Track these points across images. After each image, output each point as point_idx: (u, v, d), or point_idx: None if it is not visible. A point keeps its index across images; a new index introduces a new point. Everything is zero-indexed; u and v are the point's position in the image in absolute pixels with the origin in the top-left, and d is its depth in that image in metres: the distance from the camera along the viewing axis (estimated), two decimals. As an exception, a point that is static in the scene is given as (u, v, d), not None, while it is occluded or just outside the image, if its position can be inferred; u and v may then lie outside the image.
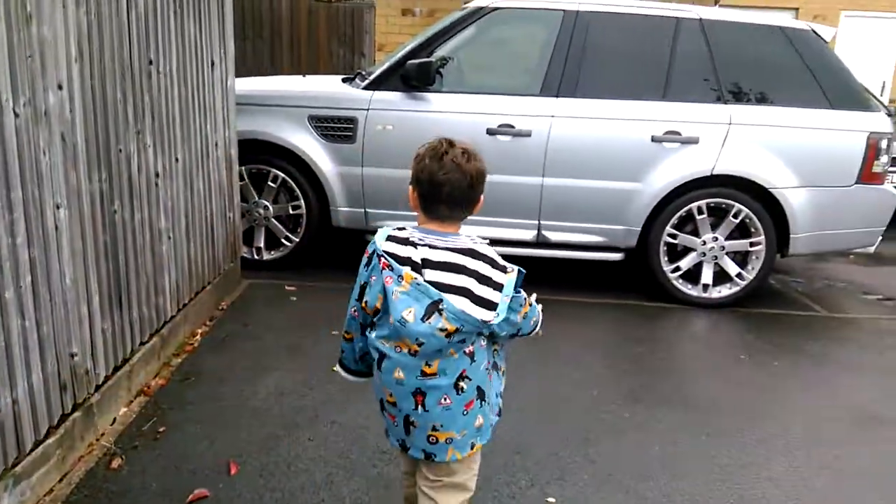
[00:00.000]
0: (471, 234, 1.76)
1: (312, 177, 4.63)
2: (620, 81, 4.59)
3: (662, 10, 4.67)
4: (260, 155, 4.63)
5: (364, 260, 1.77)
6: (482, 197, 1.78)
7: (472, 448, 1.81)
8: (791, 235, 4.52)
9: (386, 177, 4.57)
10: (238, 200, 4.37)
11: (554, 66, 4.56)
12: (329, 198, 4.65)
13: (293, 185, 4.65)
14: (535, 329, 1.91)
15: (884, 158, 4.55)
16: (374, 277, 1.72)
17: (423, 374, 1.69)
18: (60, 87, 2.32)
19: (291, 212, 4.72)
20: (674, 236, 4.57)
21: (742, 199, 4.47)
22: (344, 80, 5.13)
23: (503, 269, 1.70)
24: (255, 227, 4.77)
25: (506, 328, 1.74)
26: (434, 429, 1.75)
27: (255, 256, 4.78)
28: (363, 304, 1.76)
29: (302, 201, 4.67)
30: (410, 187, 1.76)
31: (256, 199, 4.71)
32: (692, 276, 4.63)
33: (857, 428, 3.19)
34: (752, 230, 4.53)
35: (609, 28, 4.58)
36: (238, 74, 4.39)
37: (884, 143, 4.52)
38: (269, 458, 2.66)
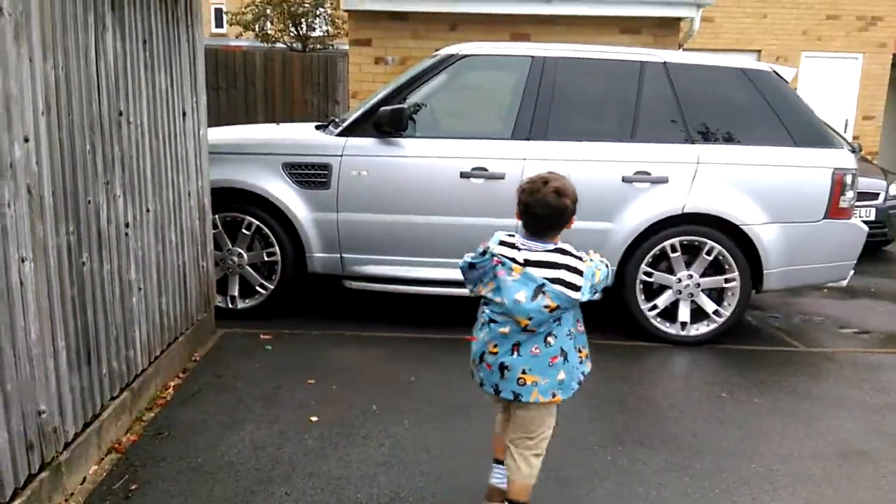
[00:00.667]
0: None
1: (287, 223, 4.61)
2: (590, 124, 4.67)
3: (627, 54, 4.78)
4: (234, 203, 4.61)
5: (479, 249, 2.34)
6: (573, 217, 2.32)
7: (552, 397, 2.34)
8: (764, 271, 4.57)
9: (361, 222, 4.56)
10: (211, 249, 4.33)
11: (524, 110, 4.62)
12: (304, 244, 4.63)
13: (268, 232, 4.62)
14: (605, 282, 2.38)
15: (850, 194, 4.65)
16: (484, 268, 2.31)
17: (524, 330, 2.27)
18: (27, 140, 2.29)
19: (266, 259, 4.68)
20: (649, 274, 4.59)
21: (714, 236, 4.52)
22: (317, 128, 5.16)
23: (581, 260, 2.29)
24: (230, 276, 4.72)
25: (588, 296, 2.29)
26: (524, 371, 2.29)
27: (230, 305, 4.72)
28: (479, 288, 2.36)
29: (277, 248, 4.64)
30: (517, 208, 2.33)
31: (230, 246, 4.67)
32: (670, 314, 4.64)
33: (841, 464, 3.18)
34: (726, 267, 4.57)
35: (576, 73, 4.67)
36: (213, 124, 4.39)
37: (849, 179, 4.61)
38: (243, 515, 2.57)
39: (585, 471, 3.01)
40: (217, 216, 4.54)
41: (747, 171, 4.54)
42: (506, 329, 2.29)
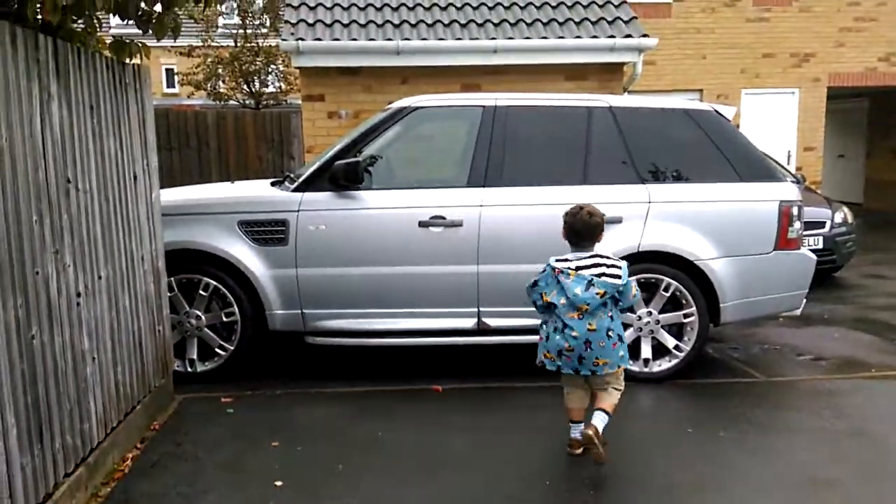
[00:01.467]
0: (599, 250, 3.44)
1: (245, 282, 4.55)
2: (543, 169, 4.75)
3: (574, 100, 4.91)
4: (190, 264, 4.54)
5: (539, 276, 3.43)
6: (602, 232, 3.45)
7: (618, 367, 3.44)
8: (720, 305, 4.65)
9: (322, 276, 4.53)
10: (167, 313, 4.24)
11: (479, 157, 4.69)
12: (264, 302, 4.57)
13: (226, 291, 4.55)
14: (633, 303, 3.65)
15: (797, 224, 4.79)
16: (547, 282, 3.39)
17: (589, 330, 3.30)
18: (-30, 214, 2.24)
19: (225, 319, 4.60)
20: (610, 314, 4.63)
21: (670, 272, 4.60)
22: (273, 184, 5.15)
23: (618, 266, 3.37)
24: (188, 339, 4.62)
25: (626, 295, 3.39)
26: (597, 358, 3.35)
27: (189, 369, 4.60)
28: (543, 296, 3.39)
29: (235, 308, 4.56)
30: (563, 229, 3.46)
31: (187, 309, 4.58)
32: (632, 351, 4.67)
33: (808, 492, 3.21)
34: (684, 302, 4.64)
35: (526, 120, 4.78)
36: (166, 185, 4.35)
37: (795, 210, 4.76)
38: (208, 591, 2.47)
39: (558, 518, 2.97)
40: (173, 279, 4.47)
41: (697, 207, 4.66)
42: (575, 333, 3.30)
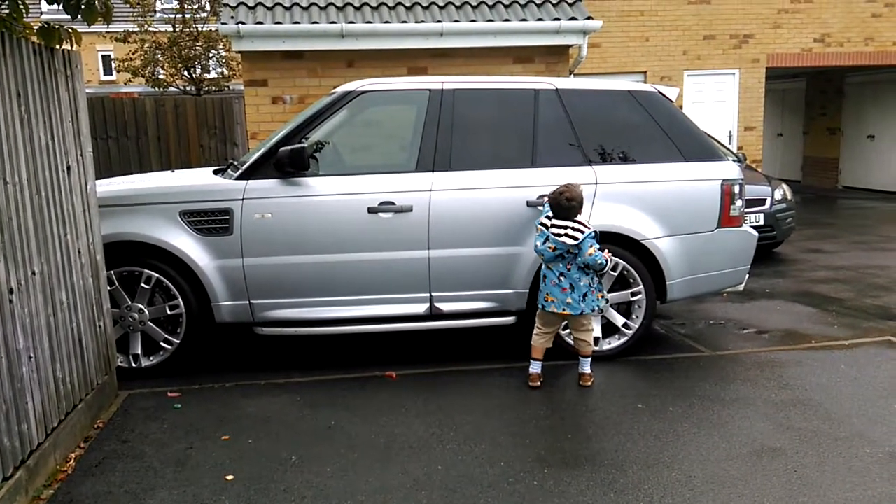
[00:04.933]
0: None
1: (189, 274, 4.43)
2: (491, 152, 4.74)
3: (521, 83, 4.91)
4: (131, 257, 4.40)
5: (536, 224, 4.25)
6: (580, 210, 4.16)
7: (564, 310, 4.18)
8: (667, 282, 4.74)
9: (269, 265, 4.45)
10: (108, 308, 4.10)
11: (427, 141, 4.65)
12: (209, 294, 4.45)
13: (169, 284, 4.43)
14: (603, 268, 4.17)
15: (738, 202, 4.90)
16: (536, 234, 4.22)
17: (558, 280, 4.16)
18: None
19: (169, 312, 4.47)
20: (560, 295, 4.68)
21: (618, 252, 4.65)
22: (216, 172, 5.02)
23: (581, 231, 4.06)
24: (131, 333, 4.48)
25: (581, 254, 4.06)
26: (547, 294, 4.20)
27: (133, 364, 4.47)
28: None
29: (180, 300, 4.44)
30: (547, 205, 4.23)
31: (129, 303, 4.44)
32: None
33: (755, 462, 3.30)
34: (631, 281, 4.71)
35: (473, 103, 4.75)
36: (104, 175, 4.19)
37: (736, 189, 4.87)
38: (158, 591, 2.41)
39: (514, 498, 2.99)
40: (112, 272, 4.32)
41: (642, 187, 4.73)
42: (554, 284, 4.19)
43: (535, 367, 4.30)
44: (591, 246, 4.08)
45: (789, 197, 8.32)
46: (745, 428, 3.67)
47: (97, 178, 4.28)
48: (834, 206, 13.09)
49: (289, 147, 4.40)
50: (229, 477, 3.20)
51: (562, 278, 4.14)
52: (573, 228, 4.06)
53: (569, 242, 4.05)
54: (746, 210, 7.01)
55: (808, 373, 4.47)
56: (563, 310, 4.16)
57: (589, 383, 4.29)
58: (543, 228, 4.14)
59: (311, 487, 3.10)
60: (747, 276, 5.11)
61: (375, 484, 3.13)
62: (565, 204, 4.10)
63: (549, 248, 4.10)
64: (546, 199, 4.27)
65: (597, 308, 4.30)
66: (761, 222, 7.76)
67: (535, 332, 4.33)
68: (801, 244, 9.03)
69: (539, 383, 4.27)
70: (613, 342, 4.77)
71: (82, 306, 3.70)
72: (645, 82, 10.77)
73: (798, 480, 3.13)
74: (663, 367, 4.64)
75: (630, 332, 4.75)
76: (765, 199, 7.91)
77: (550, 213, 4.17)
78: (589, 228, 4.10)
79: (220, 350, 5.10)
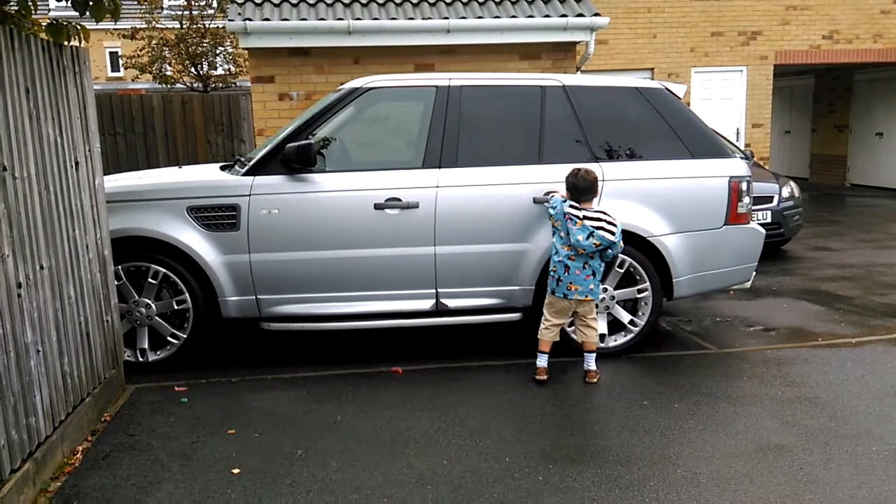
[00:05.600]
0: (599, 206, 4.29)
1: (196, 269, 4.45)
2: (498, 149, 4.74)
3: (528, 79, 4.90)
4: (138, 252, 4.42)
5: (555, 205, 4.23)
6: (599, 190, 4.32)
7: (586, 297, 4.22)
8: (673, 280, 4.73)
9: (275, 261, 4.46)
10: (116, 302, 4.12)
11: (433, 138, 4.66)
12: (216, 289, 4.47)
13: (176, 279, 4.45)
14: (618, 252, 4.31)
15: (746, 199, 4.89)
16: (558, 223, 4.21)
17: (569, 258, 4.18)
18: None
19: (176, 307, 4.49)
20: (566, 292, 4.68)
21: (624, 249, 4.63)
22: (223, 168, 5.03)
23: (615, 224, 4.15)
24: (138, 328, 4.50)
25: (615, 247, 4.18)
26: (571, 283, 4.20)
27: (140, 359, 4.50)
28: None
29: (187, 295, 4.46)
30: (564, 190, 4.28)
31: (136, 298, 4.46)
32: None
33: (760, 460, 3.29)
34: (638, 278, 4.71)
35: (480, 99, 4.75)
36: (112, 171, 4.21)
37: (744, 186, 4.85)
38: (165, 583, 2.42)
39: (519, 494, 3.00)
40: (120, 267, 4.34)
41: (650, 184, 4.72)
42: (577, 272, 4.19)
43: (542, 361, 4.31)
44: (621, 238, 4.21)
45: (797, 194, 8.28)
46: (751, 425, 3.67)
47: (105, 174, 4.30)
48: (842, 204, 13.03)
49: (295, 143, 4.41)
50: (235, 470, 3.21)
51: (586, 267, 4.18)
52: (607, 222, 4.11)
53: (611, 239, 4.10)
54: (754, 207, 6.99)
55: (814, 370, 4.45)
56: (587, 296, 4.21)
57: (595, 380, 4.28)
58: (580, 221, 4.10)
59: (317, 481, 3.11)
60: (755, 273, 5.10)
61: (380, 478, 3.14)
62: (585, 184, 4.15)
63: (595, 243, 4.09)
64: (564, 182, 4.27)
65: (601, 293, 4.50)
66: (769, 220, 7.73)
67: (543, 324, 4.33)
68: (808, 242, 9.00)
69: (546, 377, 4.27)
70: (619, 339, 4.76)
71: (90, 301, 3.72)
72: (652, 79, 10.75)
73: (804, 478, 3.12)
74: (669, 364, 4.63)
75: (636, 329, 4.75)
76: (772, 197, 7.89)
77: (573, 203, 4.15)
78: (617, 220, 4.17)
79: (226, 345, 5.12)
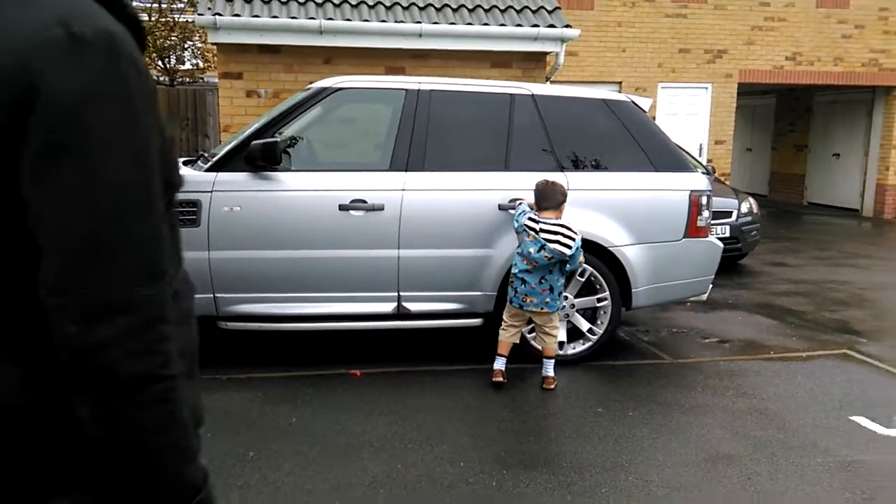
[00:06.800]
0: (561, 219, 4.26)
1: (155, 265, 4.37)
2: (465, 154, 4.76)
3: (497, 87, 4.94)
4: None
5: (520, 213, 4.32)
6: (564, 204, 4.31)
7: (542, 310, 4.25)
8: (632, 290, 4.80)
9: (235, 259, 4.41)
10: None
11: (401, 141, 4.66)
12: (174, 286, 4.39)
13: (133, 275, 4.36)
14: (577, 267, 4.36)
15: (706, 213, 4.99)
16: (521, 234, 4.27)
17: (527, 271, 4.22)
18: None
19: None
20: (527, 299, 4.72)
21: (586, 258, 4.69)
22: (185, 163, 4.96)
23: (572, 238, 4.14)
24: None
25: (573, 261, 4.18)
26: (526, 295, 4.23)
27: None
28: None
29: (144, 291, 4.38)
30: (529, 201, 4.40)
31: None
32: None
33: (710, 469, 3.36)
34: (598, 287, 4.77)
35: (449, 105, 4.77)
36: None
37: (704, 200, 4.96)
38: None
39: (472, 498, 3.01)
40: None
41: (612, 195, 4.79)
42: (529, 284, 4.22)
43: (500, 364, 4.36)
44: (581, 254, 4.26)
45: (755, 210, 8.48)
46: (702, 435, 3.74)
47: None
48: (798, 222, 13.37)
49: (261, 141, 4.37)
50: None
51: (543, 281, 4.22)
52: (564, 235, 4.13)
53: (564, 252, 4.12)
54: (713, 222, 7.13)
55: (765, 382, 4.56)
56: (542, 308, 4.26)
57: (552, 386, 4.32)
58: (535, 234, 4.15)
59: (269, 483, 3.09)
60: (711, 286, 5.20)
61: (333, 481, 3.12)
62: (553, 193, 4.24)
63: (546, 256, 4.14)
64: (534, 190, 4.34)
65: (562, 303, 4.49)
66: (727, 234, 7.89)
67: (502, 326, 4.40)
68: (764, 257, 9.21)
69: (503, 380, 4.31)
70: (578, 347, 4.82)
71: (42, 293, 3.63)
72: (620, 92, 10.91)
73: (751, 487, 3.19)
74: (625, 372, 4.70)
75: (594, 338, 4.81)
76: (731, 212, 8.05)
77: (534, 216, 4.21)
78: (578, 235, 4.20)
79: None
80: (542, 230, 4.14)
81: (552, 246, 4.11)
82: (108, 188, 0.87)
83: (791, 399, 4.28)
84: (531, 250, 4.15)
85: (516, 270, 4.28)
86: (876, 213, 14.01)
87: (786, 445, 3.63)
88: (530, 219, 4.21)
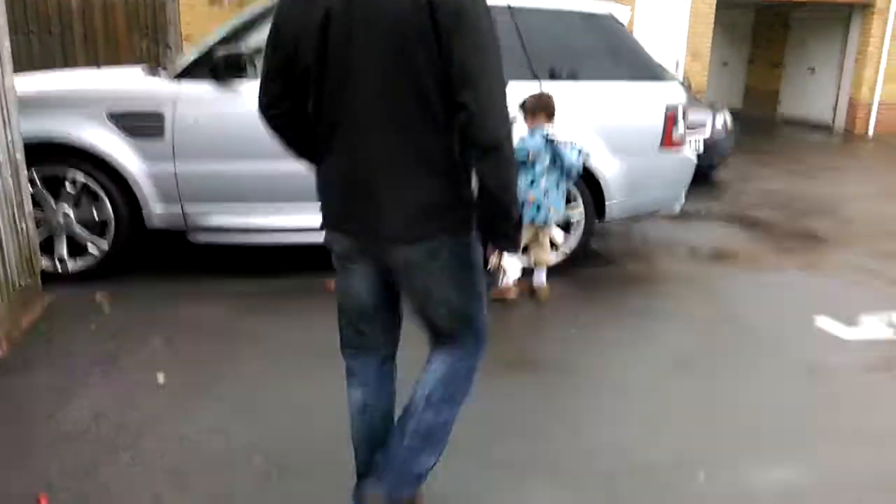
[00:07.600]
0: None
1: (118, 177, 4.25)
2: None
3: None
4: (55, 157, 4.18)
5: (528, 141, 4.18)
6: (555, 112, 4.22)
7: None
8: (606, 202, 4.80)
9: (203, 171, 4.29)
10: (30, 209, 3.91)
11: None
12: (140, 199, 4.29)
13: (96, 188, 4.24)
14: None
15: (681, 125, 4.94)
16: (538, 148, 4.18)
17: (557, 190, 4.30)
18: None
19: (97, 218, 4.30)
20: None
21: (560, 169, 4.66)
22: (147, 73, 4.76)
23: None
24: (56, 237, 4.31)
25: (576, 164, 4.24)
26: (550, 206, 4.30)
27: (60, 269, 4.32)
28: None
29: (108, 204, 4.27)
30: (523, 112, 4.21)
31: (53, 205, 4.25)
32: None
33: (675, 373, 3.46)
34: (572, 199, 4.75)
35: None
36: (25, 70, 3.91)
37: (679, 112, 4.90)
38: (85, 486, 2.40)
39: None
40: (35, 173, 4.11)
41: (588, 106, 4.71)
42: (540, 185, 4.26)
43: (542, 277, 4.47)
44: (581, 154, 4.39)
45: (729, 124, 8.44)
46: (670, 341, 3.82)
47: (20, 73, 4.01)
48: (771, 136, 13.39)
49: (227, 50, 4.19)
50: (160, 380, 3.17)
51: (558, 188, 4.31)
52: (573, 142, 4.24)
53: (588, 153, 4.35)
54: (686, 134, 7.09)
55: (734, 290, 4.65)
56: (559, 214, 4.40)
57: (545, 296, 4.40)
58: (560, 143, 4.17)
59: (245, 390, 3.11)
60: (684, 198, 5.21)
61: (305, 387, 3.14)
62: (551, 102, 4.20)
63: (582, 160, 4.27)
64: (528, 106, 4.21)
65: None
66: (700, 148, 7.87)
67: (531, 249, 4.42)
68: (737, 170, 9.24)
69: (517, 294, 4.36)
70: (552, 257, 4.83)
71: (2, 206, 3.52)
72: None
73: (718, 389, 3.29)
74: (598, 281, 4.75)
75: (568, 248, 4.82)
76: (704, 124, 8.01)
77: (544, 132, 4.16)
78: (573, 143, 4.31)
79: (154, 258, 4.96)
80: (566, 142, 4.19)
81: (585, 150, 4.27)
82: (490, 50, 1.86)
83: (759, 306, 4.38)
84: (573, 159, 4.16)
85: (539, 188, 4.24)
86: (847, 129, 14.06)
87: (747, 348, 3.74)
88: (546, 136, 4.17)
